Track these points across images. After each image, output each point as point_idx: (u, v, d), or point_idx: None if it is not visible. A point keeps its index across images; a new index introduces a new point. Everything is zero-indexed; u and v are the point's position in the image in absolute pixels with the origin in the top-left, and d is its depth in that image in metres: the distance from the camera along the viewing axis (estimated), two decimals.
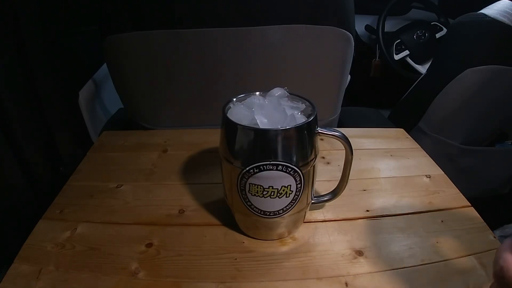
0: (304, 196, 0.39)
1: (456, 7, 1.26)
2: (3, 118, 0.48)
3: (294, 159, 0.36)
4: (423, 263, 0.40)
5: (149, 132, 0.68)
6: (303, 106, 0.39)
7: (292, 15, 0.61)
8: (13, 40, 0.49)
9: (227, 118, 0.37)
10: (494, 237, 0.43)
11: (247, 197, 0.38)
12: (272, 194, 0.37)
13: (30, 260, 0.40)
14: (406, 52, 1.42)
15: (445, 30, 1.41)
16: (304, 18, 0.61)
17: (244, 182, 0.37)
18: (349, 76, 0.77)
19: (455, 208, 0.48)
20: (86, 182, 0.53)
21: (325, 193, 0.46)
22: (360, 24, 1.53)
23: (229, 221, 0.45)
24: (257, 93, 0.42)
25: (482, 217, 0.46)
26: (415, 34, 1.41)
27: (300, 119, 0.38)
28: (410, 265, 0.39)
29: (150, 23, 0.60)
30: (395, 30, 1.46)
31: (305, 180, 0.38)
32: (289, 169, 0.36)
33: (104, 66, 0.73)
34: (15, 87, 0.51)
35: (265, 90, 0.42)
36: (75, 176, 0.54)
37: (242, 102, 0.41)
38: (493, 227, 0.45)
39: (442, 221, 0.46)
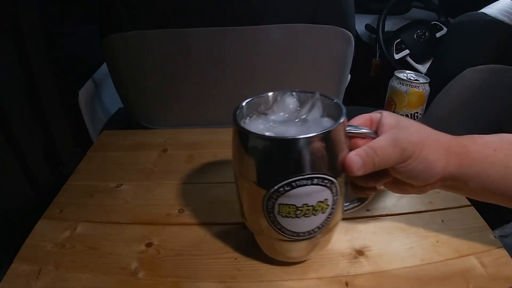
0: (339, 208, 0.35)
1: (456, 6, 1.26)
2: (3, 118, 0.48)
3: (330, 168, 0.31)
4: (423, 262, 0.40)
5: (149, 132, 0.68)
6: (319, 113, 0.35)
7: (293, 14, 0.61)
8: (13, 40, 0.49)
9: (248, 132, 0.31)
10: (494, 237, 0.43)
11: (276, 219, 0.33)
12: (307, 212, 0.32)
13: (30, 260, 0.40)
14: (406, 51, 1.42)
15: (445, 29, 1.41)
16: (305, 17, 0.61)
17: (272, 203, 0.32)
18: (349, 76, 0.77)
19: (455, 207, 0.48)
20: (86, 182, 0.53)
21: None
22: (360, 24, 1.53)
23: (229, 221, 0.45)
24: (270, 93, 0.37)
25: (482, 217, 0.46)
26: (415, 34, 1.41)
27: (327, 122, 0.34)
28: (410, 264, 0.39)
29: (150, 22, 0.60)
30: (395, 30, 1.46)
31: (341, 190, 0.33)
32: (326, 181, 0.31)
33: (104, 65, 0.73)
34: (15, 87, 0.51)
35: (265, 89, 0.42)
36: (75, 175, 0.54)
37: (255, 108, 0.36)
38: (493, 227, 0.45)
39: (442, 221, 0.46)
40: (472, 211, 0.47)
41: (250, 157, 0.32)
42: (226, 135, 0.62)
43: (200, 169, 0.55)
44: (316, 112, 0.34)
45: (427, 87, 0.57)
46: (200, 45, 0.62)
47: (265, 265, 0.39)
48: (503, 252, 0.41)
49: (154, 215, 0.46)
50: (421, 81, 0.56)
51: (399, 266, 0.39)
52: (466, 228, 0.44)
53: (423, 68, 1.42)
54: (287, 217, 0.32)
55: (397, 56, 1.43)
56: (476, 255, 0.40)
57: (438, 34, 1.42)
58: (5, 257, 0.41)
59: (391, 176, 0.33)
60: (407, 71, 0.59)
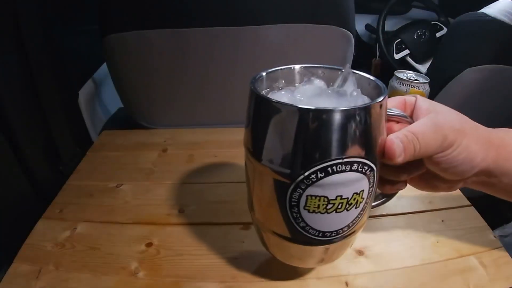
0: (370, 204, 0.30)
1: (456, 6, 1.26)
2: (3, 118, 0.48)
3: (370, 152, 0.26)
4: (424, 262, 0.40)
5: (149, 132, 0.68)
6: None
7: (292, 14, 0.61)
8: (13, 40, 0.49)
9: (273, 101, 0.25)
10: (494, 237, 0.43)
11: (300, 215, 0.27)
12: (339, 207, 0.26)
13: (30, 260, 0.40)
14: (407, 51, 1.42)
15: (445, 29, 1.41)
16: (305, 17, 0.61)
17: (299, 194, 0.26)
18: None
19: (455, 207, 0.48)
20: (86, 182, 0.53)
21: None
22: (360, 24, 1.53)
23: (229, 221, 0.45)
24: (297, 66, 0.33)
25: (482, 217, 0.46)
26: (415, 34, 1.41)
27: (365, 98, 0.29)
28: (410, 264, 0.39)
29: (150, 22, 0.60)
30: (395, 30, 1.46)
31: (376, 180, 0.28)
32: (366, 168, 0.26)
33: (104, 65, 0.73)
34: (15, 87, 0.51)
35: None
36: (75, 175, 0.54)
37: (274, 82, 0.31)
38: (493, 227, 0.45)
39: (442, 221, 0.46)
40: (472, 211, 0.47)
41: (272, 135, 0.26)
42: (226, 135, 0.63)
43: (200, 169, 0.55)
44: (350, 86, 0.29)
45: (427, 87, 0.57)
46: (200, 45, 0.62)
47: (265, 265, 0.39)
48: (503, 252, 0.41)
49: (154, 215, 0.46)
50: (421, 81, 0.56)
51: (399, 266, 0.39)
52: (466, 228, 0.44)
53: (423, 68, 1.42)
54: (315, 212, 0.26)
55: (397, 56, 1.43)
56: (476, 255, 0.40)
57: (438, 34, 1.42)
58: (5, 257, 0.41)
59: (424, 168, 0.30)
60: (407, 71, 0.59)
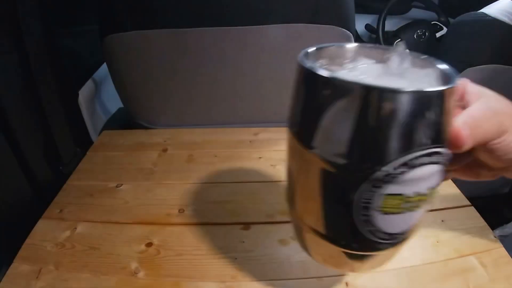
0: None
1: (456, 7, 1.26)
2: (3, 118, 0.48)
3: (445, 140, 0.22)
4: (424, 262, 0.40)
5: (149, 132, 0.68)
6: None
7: (292, 14, 0.61)
8: (12, 40, 0.49)
9: (354, 83, 0.20)
10: (494, 237, 0.43)
11: (370, 218, 0.22)
12: (415, 205, 0.23)
13: (30, 260, 0.40)
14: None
15: (445, 29, 1.41)
16: (304, 17, 0.61)
17: (373, 194, 0.21)
18: None
19: (455, 207, 0.48)
20: (86, 182, 0.53)
21: None
22: (360, 24, 1.53)
23: (229, 221, 0.45)
24: (349, 45, 0.28)
25: (482, 217, 0.46)
26: (415, 34, 1.41)
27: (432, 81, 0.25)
28: (410, 264, 0.39)
29: (150, 22, 0.60)
30: (395, 29, 1.46)
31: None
32: (444, 159, 0.23)
33: (104, 65, 0.73)
34: (15, 87, 0.51)
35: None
36: (75, 175, 0.54)
37: (321, 59, 0.27)
38: (493, 227, 0.45)
39: (442, 221, 0.46)
40: (472, 211, 0.47)
41: (338, 125, 0.21)
42: (226, 135, 0.63)
43: (200, 169, 0.55)
44: (409, 67, 0.25)
45: None
46: (200, 45, 0.62)
47: (265, 265, 0.39)
48: (503, 252, 0.41)
49: (154, 215, 0.46)
50: None
51: (399, 266, 0.39)
52: (466, 228, 0.44)
53: None
54: (387, 213, 0.22)
55: None
56: (476, 255, 0.40)
57: (438, 34, 1.42)
58: (5, 257, 0.41)
59: (472, 156, 0.28)
60: None
